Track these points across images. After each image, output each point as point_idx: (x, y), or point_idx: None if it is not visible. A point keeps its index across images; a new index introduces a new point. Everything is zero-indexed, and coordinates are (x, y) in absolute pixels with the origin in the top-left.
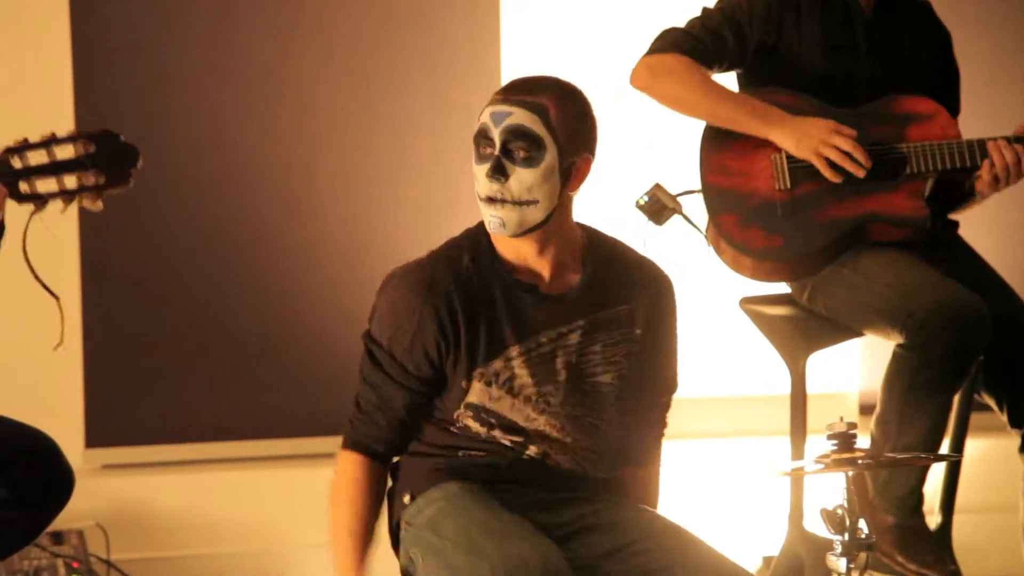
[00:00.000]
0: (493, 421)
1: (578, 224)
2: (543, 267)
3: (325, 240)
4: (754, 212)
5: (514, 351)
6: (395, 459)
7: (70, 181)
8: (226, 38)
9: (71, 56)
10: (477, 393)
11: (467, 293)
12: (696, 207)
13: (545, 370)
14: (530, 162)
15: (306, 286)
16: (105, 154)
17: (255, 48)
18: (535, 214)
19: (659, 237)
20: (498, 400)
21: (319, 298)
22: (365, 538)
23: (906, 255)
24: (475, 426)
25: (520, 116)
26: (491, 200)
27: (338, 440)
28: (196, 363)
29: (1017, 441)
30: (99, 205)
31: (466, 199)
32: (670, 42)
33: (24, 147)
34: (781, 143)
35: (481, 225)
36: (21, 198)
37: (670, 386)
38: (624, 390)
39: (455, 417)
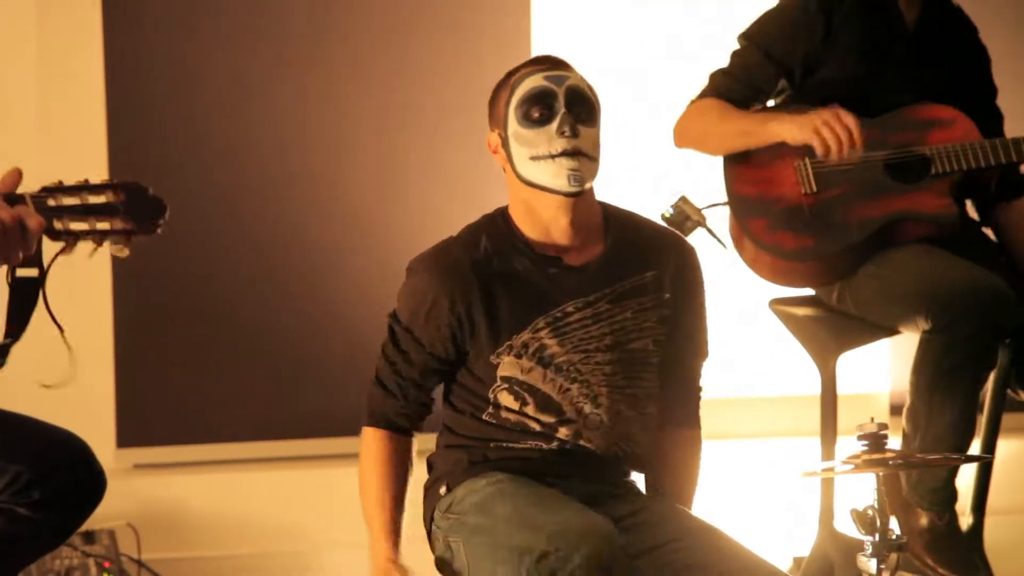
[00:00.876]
0: (526, 395)
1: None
2: (569, 238)
3: (355, 241)
4: (782, 216)
5: (541, 322)
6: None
7: (102, 224)
8: (255, 45)
9: (103, 71)
10: (508, 367)
11: (486, 272)
12: (720, 220)
13: (576, 339)
14: (590, 123)
15: (338, 287)
16: (134, 204)
17: (282, 54)
18: (595, 171)
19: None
20: (530, 372)
21: (350, 298)
22: (396, 508)
23: (932, 247)
24: (509, 401)
25: (577, 79)
26: (572, 153)
27: None
28: (227, 363)
29: None
30: (126, 252)
31: (494, 196)
32: (710, 87)
33: (59, 189)
34: (787, 135)
35: (498, 209)
36: (55, 234)
37: (704, 350)
38: (664, 355)
39: (490, 395)
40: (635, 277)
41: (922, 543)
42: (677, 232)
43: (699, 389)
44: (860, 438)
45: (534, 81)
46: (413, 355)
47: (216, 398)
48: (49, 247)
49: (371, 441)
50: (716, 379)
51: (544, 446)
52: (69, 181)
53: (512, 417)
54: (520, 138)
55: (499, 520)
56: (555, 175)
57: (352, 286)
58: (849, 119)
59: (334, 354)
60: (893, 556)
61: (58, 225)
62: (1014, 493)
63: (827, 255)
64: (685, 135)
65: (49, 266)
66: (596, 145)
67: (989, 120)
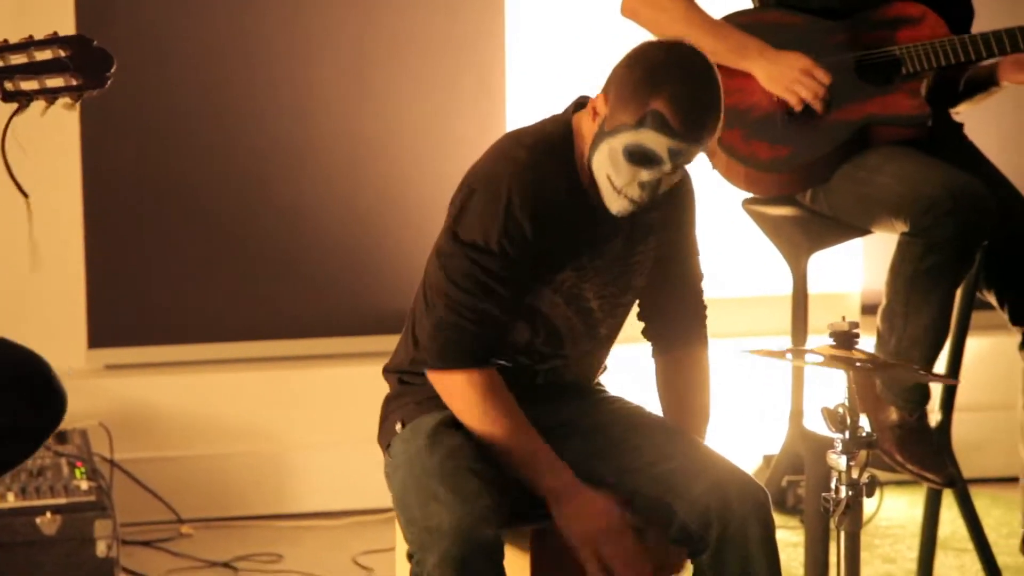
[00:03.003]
0: (542, 329)
1: None
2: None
3: (329, 141)
4: (756, 125)
5: (577, 263)
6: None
7: (52, 81)
8: None
9: None
10: (542, 298)
11: (550, 210)
12: None
13: (599, 280)
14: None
15: (310, 186)
16: (81, 57)
17: None
18: None
19: None
20: (555, 307)
21: (323, 199)
22: (542, 439)
23: (909, 149)
24: (522, 337)
25: (694, 156)
26: (638, 203)
27: (340, 341)
28: (199, 263)
29: (1017, 339)
30: (76, 107)
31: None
32: None
33: (5, 48)
34: (757, 77)
35: (566, 127)
36: (7, 96)
37: (700, 274)
38: (662, 284)
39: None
40: (646, 216)
41: (892, 439)
42: None
43: (704, 308)
44: (831, 335)
45: (656, 143)
46: (504, 271)
47: (188, 299)
48: (2, 109)
49: (478, 383)
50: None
51: (526, 374)
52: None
53: (520, 344)
54: (613, 153)
55: (408, 490)
56: (613, 200)
57: (325, 187)
58: (821, 74)
59: (308, 255)
60: (862, 453)
61: (9, 86)
62: (980, 391)
63: (802, 164)
64: (639, 13)
65: (6, 129)
66: (669, 185)
67: (962, 17)
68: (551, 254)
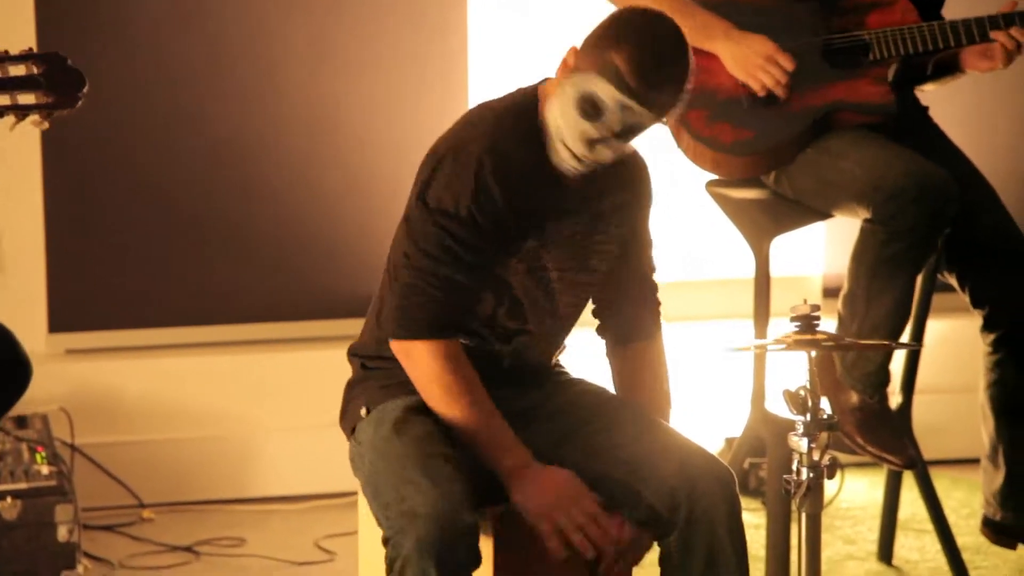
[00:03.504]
0: (505, 299)
1: None
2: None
3: (292, 124)
4: (721, 107)
5: (540, 233)
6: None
7: (24, 98)
8: None
9: None
10: (506, 269)
11: (518, 177)
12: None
13: (561, 254)
14: (628, 139)
15: (273, 170)
16: (54, 76)
17: None
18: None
19: None
20: (517, 277)
21: (286, 182)
22: (502, 415)
23: (873, 134)
24: (486, 308)
25: (649, 120)
26: (585, 163)
27: (301, 325)
28: (160, 247)
29: (979, 321)
30: (46, 125)
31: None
32: None
33: None
34: (722, 59)
35: (534, 100)
36: None
37: (654, 266)
38: (620, 271)
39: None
40: (611, 198)
41: (853, 421)
42: (638, 152)
43: (658, 303)
44: (793, 319)
45: (607, 94)
46: (471, 240)
47: (149, 283)
48: None
49: (439, 353)
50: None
51: (491, 354)
52: None
53: (484, 316)
54: (565, 101)
55: (380, 475)
56: (562, 155)
57: (289, 171)
58: (785, 61)
59: (270, 239)
60: (823, 436)
61: None
62: (941, 373)
63: (765, 148)
64: None
65: None
66: (616, 153)
67: (932, 1)
68: (518, 221)
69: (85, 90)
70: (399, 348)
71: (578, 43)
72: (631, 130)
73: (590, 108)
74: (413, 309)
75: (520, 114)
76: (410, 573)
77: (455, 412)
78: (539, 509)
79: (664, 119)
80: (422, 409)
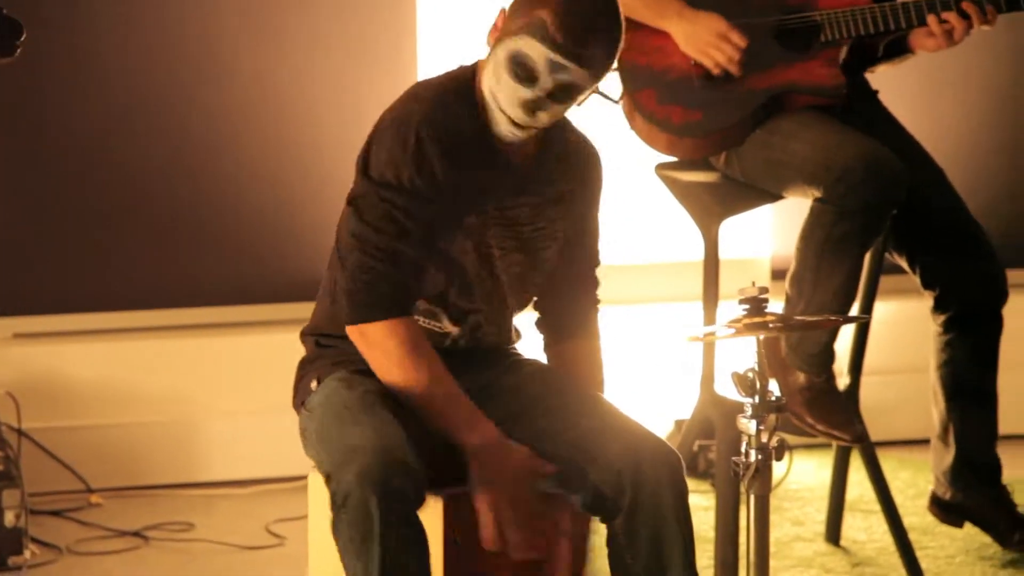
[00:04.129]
0: (456, 278)
1: None
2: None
3: (243, 106)
4: (672, 87)
5: (491, 208)
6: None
7: None
8: None
9: None
10: (453, 246)
11: (458, 147)
12: (612, 84)
13: (508, 235)
14: (565, 103)
15: (225, 152)
16: None
17: None
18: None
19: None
20: (466, 255)
21: (237, 164)
22: (462, 390)
23: (823, 115)
24: (437, 287)
25: (583, 79)
26: (521, 127)
27: (251, 308)
28: (109, 230)
29: (929, 302)
30: None
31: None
32: None
33: None
34: (674, 37)
35: (472, 74)
36: None
37: (598, 258)
38: (560, 264)
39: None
40: (560, 186)
41: (801, 400)
42: (589, 140)
43: (597, 300)
44: (741, 302)
45: (536, 52)
46: (417, 212)
47: (97, 266)
48: None
49: (395, 333)
50: (601, 245)
51: (444, 334)
52: None
53: (422, 304)
54: (497, 65)
55: (327, 422)
56: (499, 121)
57: (240, 153)
58: (737, 38)
59: (220, 221)
60: (772, 417)
61: None
62: (888, 354)
63: (715, 130)
64: None
65: None
66: (556, 116)
67: None
68: (461, 193)
69: (23, 38)
70: (355, 333)
71: (507, 6)
72: (566, 90)
73: (521, 70)
74: (364, 291)
75: (459, 86)
76: (352, 503)
77: (417, 390)
78: (489, 498)
79: (599, 79)
80: (370, 372)
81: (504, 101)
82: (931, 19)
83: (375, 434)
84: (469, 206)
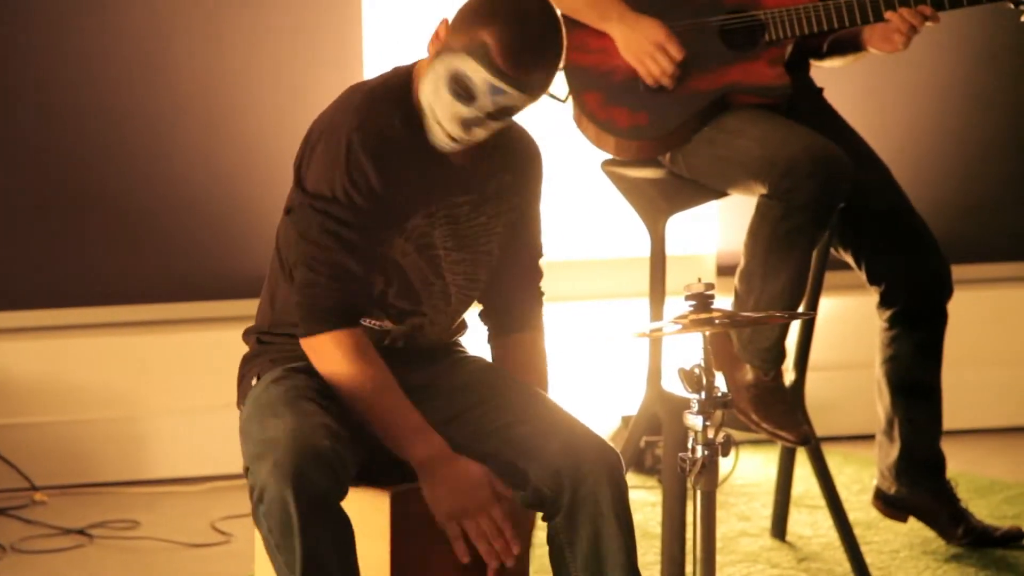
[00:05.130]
0: (396, 279)
1: None
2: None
3: (185, 102)
4: (617, 89)
5: (433, 208)
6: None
7: None
8: None
9: None
10: (393, 248)
11: (392, 152)
12: (558, 84)
13: (448, 234)
14: (502, 120)
15: (167, 148)
16: None
17: None
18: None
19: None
20: (406, 257)
21: (179, 160)
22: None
23: (768, 112)
24: (375, 289)
25: (521, 103)
26: (457, 142)
27: (195, 305)
28: (48, 226)
29: (874, 298)
30: None
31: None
32: None
33: None
34: (615, 41)
35: (408, 78)
36: None
37: (542, 250)
38: (503, 257)
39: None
40: (497, 179)
41: (747, 399)
42: (528, 133)
43: (541, 292)
44: (687, 298)
45: (476, 74)
46: (355, 221)
47: (39, 262)
48: None
49: (341, 343)
50: (547, 241)
51: (384, 334)
52: None
53: (373, 296)
54: (437, 80)
55: (251, 418)
56: (436, 133)
57: (182, 149)
58: (674, 50)
59: (163, 218)
60: (718, 413)
61: None
62: (833, 350)
63: (661, 134)
64: None
65: None
66: (492, 132)
67: None
68: (399, 199)
69: None
70: (307, 345)
71: (450, 16)
72: (504, 111)
73: (461, 89)
74: (311, 305)
75: (393, 91)
76: (268, 496)
77: (364, 400)
78: (450, 511)
79: (537, 99)
80: (304, 369)
81: (441, 115)
82: (893, 16)
83: (291, 426)
84: (413, 208)
